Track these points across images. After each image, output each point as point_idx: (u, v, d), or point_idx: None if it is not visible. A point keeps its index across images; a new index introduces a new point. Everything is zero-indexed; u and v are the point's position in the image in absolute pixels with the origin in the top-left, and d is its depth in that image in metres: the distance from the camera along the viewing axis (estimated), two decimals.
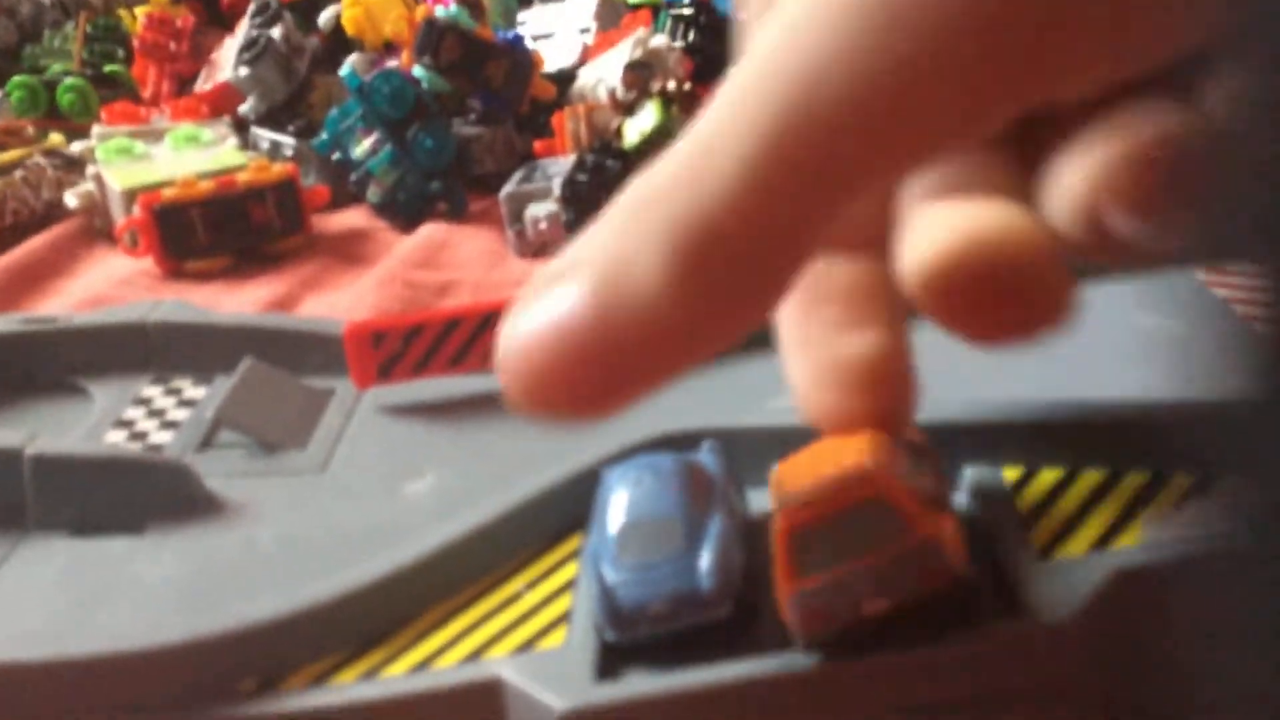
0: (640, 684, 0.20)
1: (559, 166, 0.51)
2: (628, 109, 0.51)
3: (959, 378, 0.27)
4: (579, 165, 0.48)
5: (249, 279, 0.50)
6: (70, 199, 0.54)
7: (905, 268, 0.15)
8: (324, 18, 0.66)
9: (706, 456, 0.23)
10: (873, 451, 0.19)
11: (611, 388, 0.14)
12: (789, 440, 0.20)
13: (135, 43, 0.70)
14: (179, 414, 0.33)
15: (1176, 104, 0.15)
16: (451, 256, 0.50)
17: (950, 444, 0.22)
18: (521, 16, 0.68)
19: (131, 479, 0.29)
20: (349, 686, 0.22)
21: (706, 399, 0.25)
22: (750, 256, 0.14)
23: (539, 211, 0.48)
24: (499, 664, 0.21)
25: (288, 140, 0.58)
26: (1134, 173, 0.14)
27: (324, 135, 0.55)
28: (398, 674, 0.22)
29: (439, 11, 0.57)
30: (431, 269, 0.49)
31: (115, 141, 0.56)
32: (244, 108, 0.61)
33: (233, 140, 0.58)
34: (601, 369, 0.14)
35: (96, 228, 0.55)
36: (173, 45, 0.70)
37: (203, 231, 0.50)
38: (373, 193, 0.54)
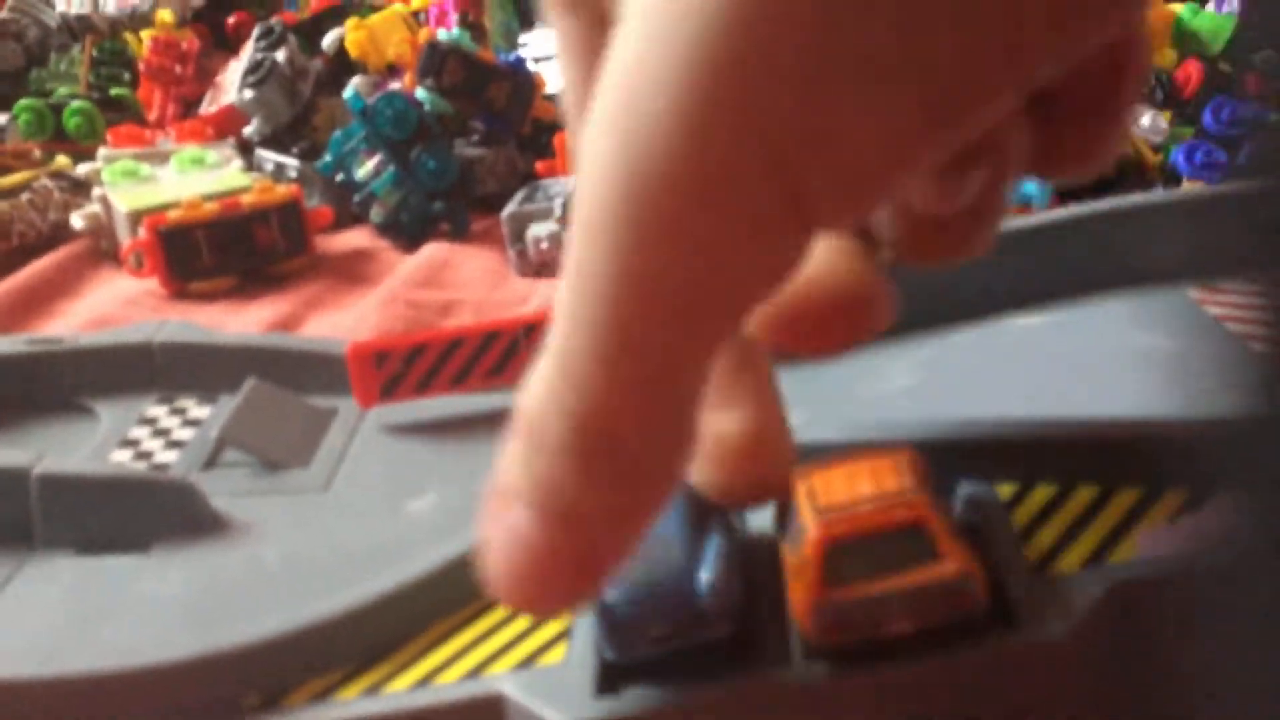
0: (640, 699, 0.20)
1: (561, 186, 0.51)
2: None
3: (956, 396, 0.27)
4: None
5: (253, 299, 0.50)
6: (76, 221, 0.55)
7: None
8: (328, 41, 0.66)
9: None
10: (911, 475, 0.20)
11: (583, 581, 0.16)
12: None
13: (141, 66, 0.71)
14: (184, 433, 0.34)
15: None
16: (454, 276, 0.51)
17: (945, 461, 0.23)
18: (523, 39, 0.69)
19: (137, 498, 0.29)
20: (352, 702, 0.22)
21: None
22: (643, 431, 0.15)
23: (541, 231, 0.48)
24: (500, 680, 0.21)
25: (292, 162, 0.59)
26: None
27: (328, 157, 0.55)
28: (400, 690, 0.22)
29: (441, 34, 0.58)
30: (434, 289, 0.49)
31: (121, 164, 0.56)
32: (248, 130, 0.62)
33: (237, 162, 0.59)
34: (569, 573, 0.16)
35: (102, 249, 0.55)
36: (178, 69, 0.70)
37: (207, 253, 0.50)
38: (376, 213, 0.54)
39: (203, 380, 0.36)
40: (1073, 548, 0.22)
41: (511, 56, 0.61)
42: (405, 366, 0.33)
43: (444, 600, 0.24)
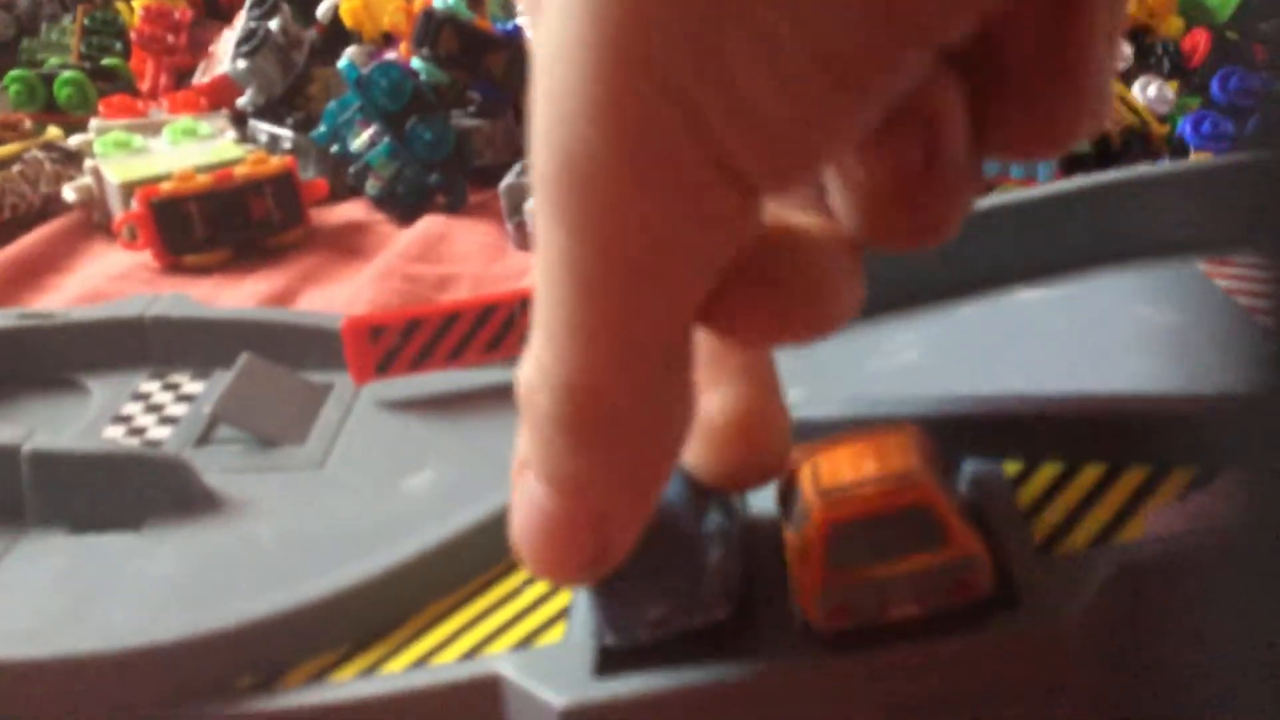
0: (640, 681, 0.20)
1: None
2: None
3: (959, 372, 0.27)
4: None
5: (247, 273, 0.50)
6: (68, 193, 0.54)
7: None
8: (322, 9, 0.65)
9: None
10: (917, 455, 0.19)
11: (598, 549, 0.17)
12: (794, 436, 0.20)
13: (133, 36, 0.70)
14: (177, 409, 0.33)
15: None
16: (450, 249, 0.50)
17: (950, 438, 0.22)
18: (520, 7, 0.68)
19: (129, 475, 0.29)
20: (347, 683, 0.22)
21: None
22: (627, 398, 0.15)
23: None
24: (498, 660, 0.21)
25: (286, 133, 0.58)
26: None
27: (322, 128, 0.54)
28: (396, 670, 0.22)
29: (437, 3, 0.57)
30: (430, 262, 0.49)
31: (113, 135, 0.56)
32: (242, 100, 0.61)
33: (231, 133, 0.58)
34: (583, 541, 0.17)
35: (94, 222, 0.55)
36: (170, 38, 0.70)
37: (201, 225, 0.50)
38: (371, 185, 0.54)
39: (196, 355, 0.35)
40: (1079, 527, 0.21)
41: (509, 25, 0.60)
42: (401, 341, 0.32)
43: (441, 579, 0.23)
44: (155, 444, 0.32)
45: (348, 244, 0.52)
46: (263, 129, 0.59)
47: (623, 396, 0.15)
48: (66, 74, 0.67)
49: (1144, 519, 0.21)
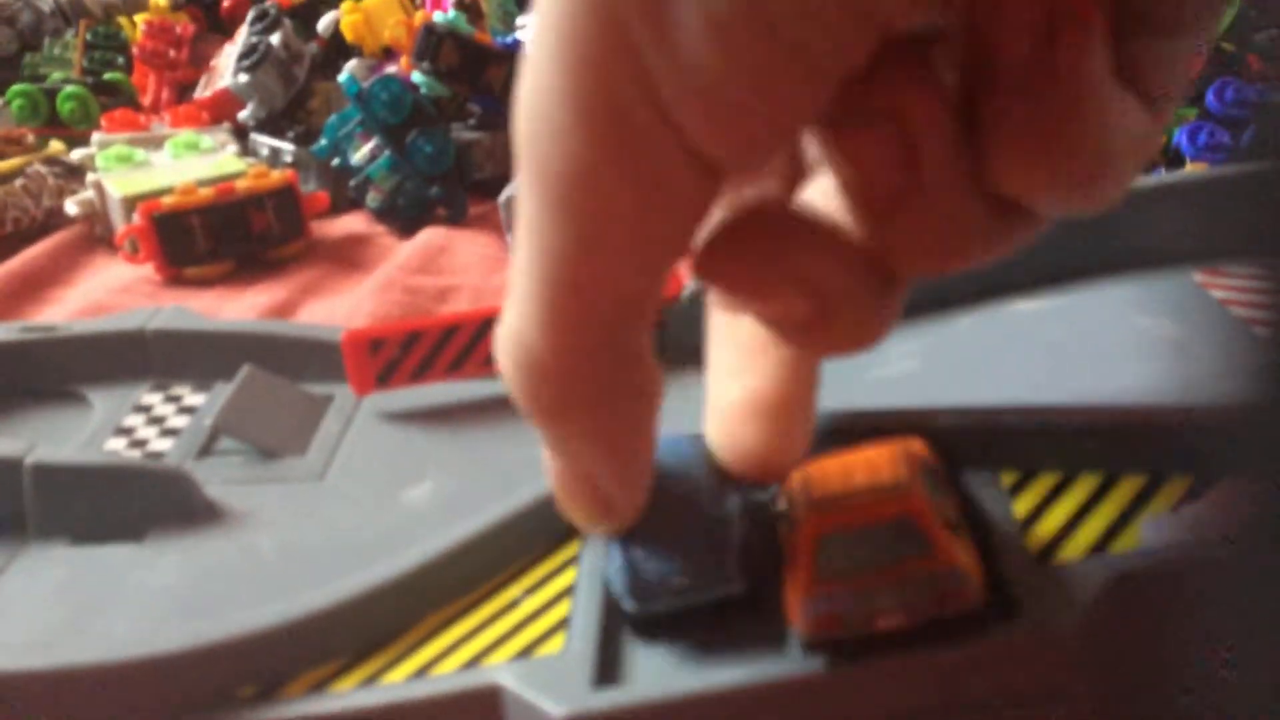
0: (639, 690, 0.20)
1: None
2: None
3: (957, 382, 0.27)
4: None
5: (249, 285, 0.50)
6: (70, 206, 0.55)
7: None
8: (323, 24, 0.66)
9: None
10: (906, 468, 0.20)
11: (598, 502, 0.19)
12: None
13: (135, 50, 0.71)
14: (178, 421, 0.33)
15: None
16: (451, 261, 0.50)
17: (947, 448, 0.22)
18: (520, 21, 0.68)
19: (131, 487, 0.29)
20: (348, 693, 0.22)
21: None
22: (580, 360, 0.16)
23: None
24: (498, 670, 0.21)
25: (287, 146, 0.58)
26: None
27: (323, 141, 0.55)
28: (397, 681, 0.22)
29: (437, 17, 0.57)
30: (431, 274, 0.49)
31: (115, 149, 0.56)
32: (243, 114, 0.62)
33: (232, 147, 0.58)
34: (586, 494, 0.19)
35: (96, 235, 0.55)
36: (172, 53, 0.70)
37: (202, 238, 0.50)
38: (372, 198, 0.54)
39: (197, 367, 0.35)
40: (1075, 536, 0.21)
41: (509, 39, 0.60)
42: (401, 353, 0.32)
43: (441, 589, 0.24)
44: (157, 456, 0.32)
45: (348, 256, 0.53)
46: (264, 142, 0.59)
47: (578, 359, 0.16)
48: (69, 88, 0.68)
49: (1140, 528, 0.21)
